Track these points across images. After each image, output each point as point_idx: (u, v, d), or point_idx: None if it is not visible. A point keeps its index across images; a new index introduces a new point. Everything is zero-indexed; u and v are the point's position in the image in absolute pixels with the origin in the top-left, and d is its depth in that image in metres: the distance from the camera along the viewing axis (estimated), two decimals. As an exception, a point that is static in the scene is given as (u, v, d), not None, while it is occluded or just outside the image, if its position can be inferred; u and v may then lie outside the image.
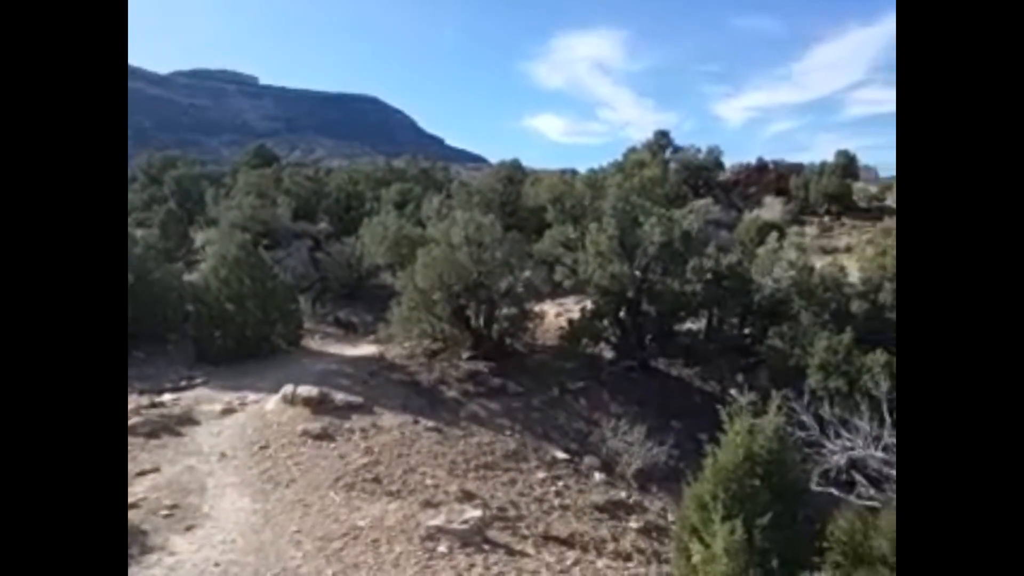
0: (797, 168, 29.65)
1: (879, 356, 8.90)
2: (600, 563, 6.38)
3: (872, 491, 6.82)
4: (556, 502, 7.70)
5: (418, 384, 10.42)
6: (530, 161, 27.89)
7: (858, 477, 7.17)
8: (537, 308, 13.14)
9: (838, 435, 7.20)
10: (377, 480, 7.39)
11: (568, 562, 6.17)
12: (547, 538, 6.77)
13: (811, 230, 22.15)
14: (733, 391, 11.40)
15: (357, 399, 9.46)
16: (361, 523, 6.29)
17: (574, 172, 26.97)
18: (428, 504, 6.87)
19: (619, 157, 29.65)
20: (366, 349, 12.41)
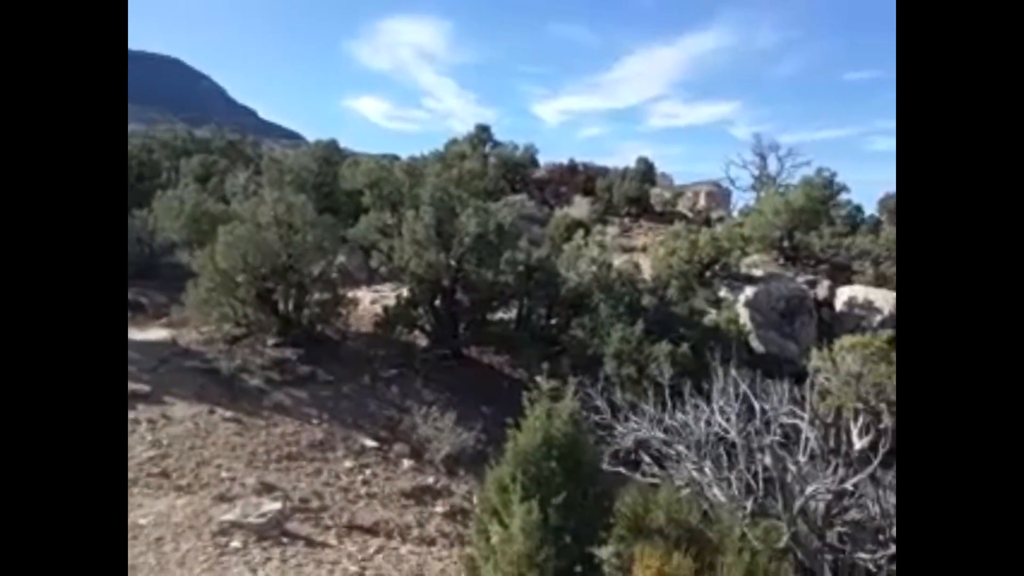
0: (603, 171, 31.81)
1: (664, 346, 9.87)
2: (404, 549, 6.42)
3: (655, 469, 7.57)
4: (363, 491, 7.61)
5: (216, 372, 9.71)
6: (350, 143, 27.06)
7: (645, 457, 7.91)
8: (352, 294, 12.83)
9: (627, 418, 7.88)
10: (165, 474, 6.81)
11: (371, 550, 6.14)
12: (351, 528, 6.67)
13: (613, 229, 23.88)
14: (539, 378, 12.06)
15: (144, 388, 8.61)
16: (143, 521, 5.76)
17: (395, 158, 26.59)
18: (222, 498, 6.45)
19: (440, 147, 29.82)
20: (157, 333, 11.31)
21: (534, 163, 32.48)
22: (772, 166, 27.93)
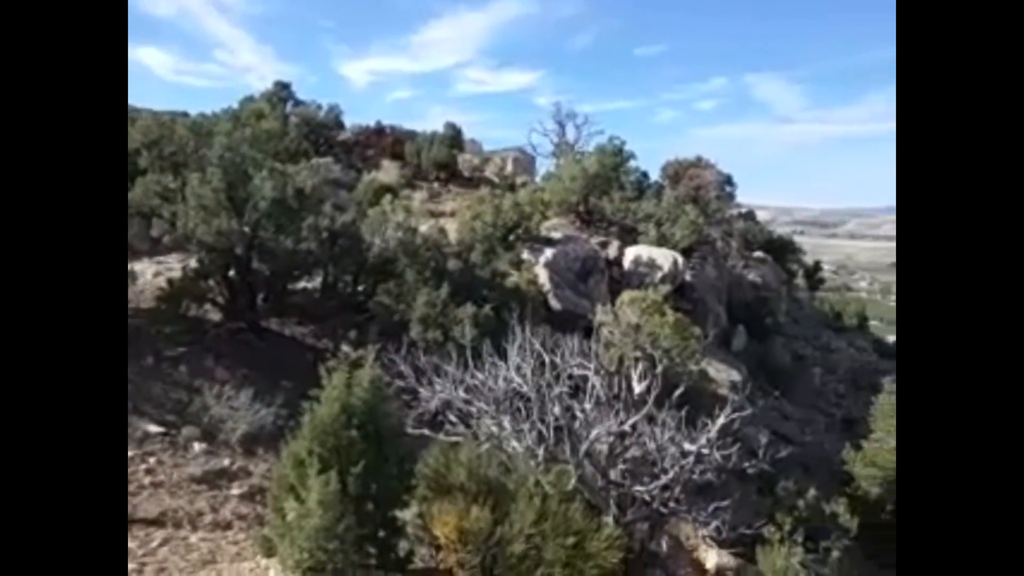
0: (412, 135, 31.42)
1: (468, 309, 10.09)
2: (194, 537, 6.02)
3: (461, 428, 7.76)
4: (147, 480, 6.97)
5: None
6: (131, 98, 23.99)
7: (451, 417, 8.07)
8: (131, 267, 11.53)
9: (431, 382, 7.98)
10: None
11: (154, 543, 5.67)
12: (132, 522, 6.10)
13: (422, 195, 23.80)
14: (345, 347, 11.78)
15: None
16: None
17: (184, 115, 24.06)
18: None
19: (235, 105, 27.50)
20: None
21: (340, 125, 31.18)
22: (570, 134, 29.38)
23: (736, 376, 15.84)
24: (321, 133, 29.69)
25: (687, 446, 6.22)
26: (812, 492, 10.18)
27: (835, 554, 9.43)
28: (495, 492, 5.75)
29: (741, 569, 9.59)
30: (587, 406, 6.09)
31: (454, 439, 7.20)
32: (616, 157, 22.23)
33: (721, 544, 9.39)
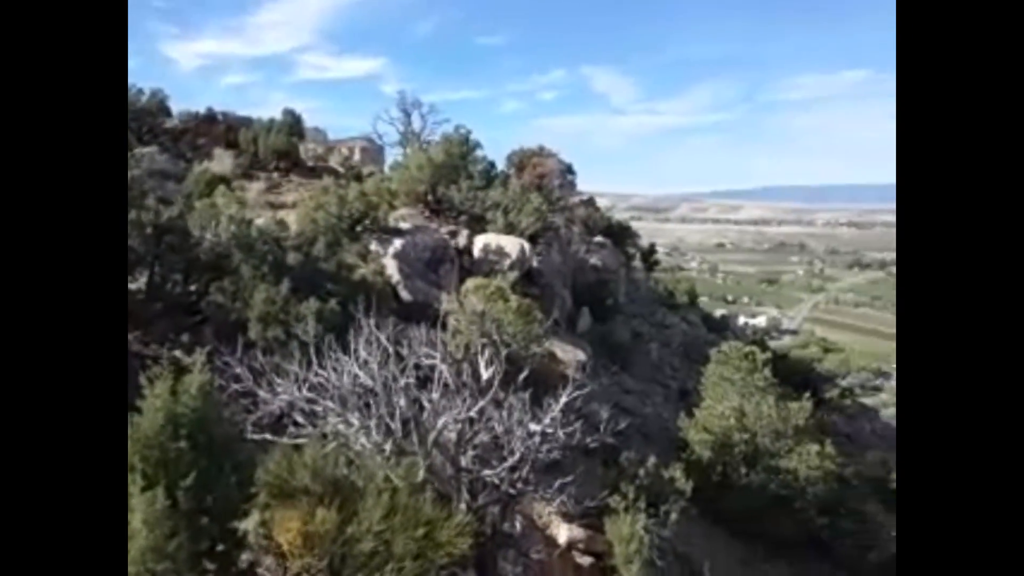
0: (247, 122, 29.59)
1: (312, 304, 9.71)
2: None
3: (308, 429, 7.46)
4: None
5: None
6: None
7: (298, 419, 7.74)
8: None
9: (271, 383, 7.60)
10: None
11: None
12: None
13: (259, 185, 22.54)
14: (177, 353, 10.90)
15: None
16: None
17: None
18: None
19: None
20: None
21: (165, 111, 28.66)
22: (416, 123, 29.11)
23: (582, 356, 16.59)
24: (144, 120, 27.16)
25: (533, 426, 6.42)
26: (652, 460, 10.91)
27: (673, 516, 10.18)
28: (342, 491, 5.61)
29: (591, 540, 10.11)
30: (435, 395, 6.10)
31: (299, 441, 6.93)
32: (463, 146, 22.35)
33: (571, 518, 9.84)
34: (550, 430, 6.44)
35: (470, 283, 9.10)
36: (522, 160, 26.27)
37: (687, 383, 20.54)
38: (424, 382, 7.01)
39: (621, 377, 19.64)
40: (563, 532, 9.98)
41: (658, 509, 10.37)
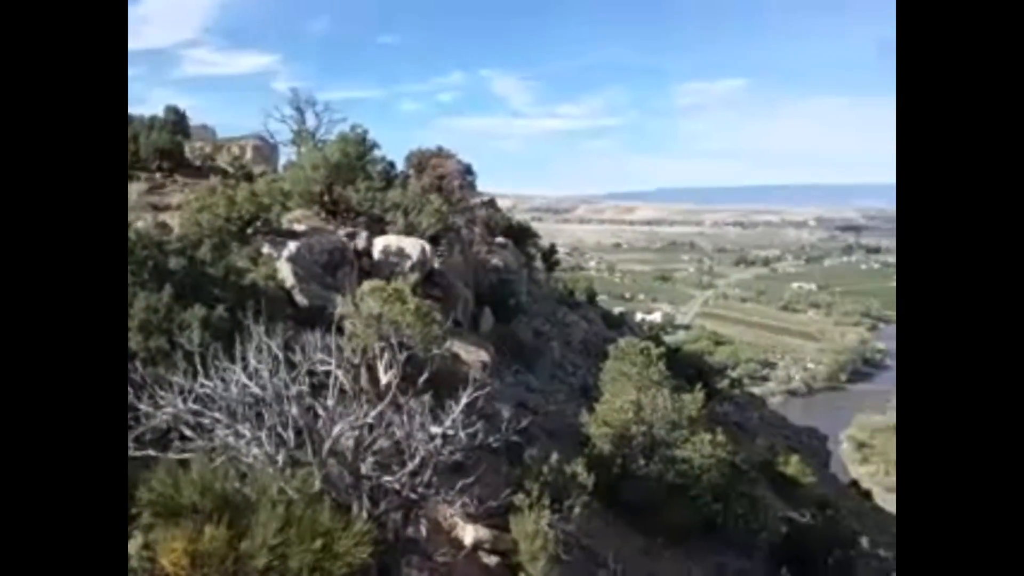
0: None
1: (198, 311, 9.18)
2: None
3: (197, 443, 7.02)
4: None
5: None
6: None
7: (186, 432, 7.27)
8: None
9: (153, 396, 7.10)
10: None
11: None
12: None
13: (139, 186, 21.12)
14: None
15: None
16: None
17: None
18: None
19: None
20: None
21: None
22: (311, 121, 28.16)
23: (485, 356, 16.62)
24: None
25: (434, 429, 6.35)
26: (555, 457, 11.07)
27: (576, 510, 10.38)
28: (233, 507, 5.32)
29: (497, 539, 10.13)
30: (330, 402, 5.90)
31: (185, 456, 6.53)
32: (360, 146, 21.85)
33: (478, 519, 9.82)
34: (451, 432, 6.38)
35: (366, 286, 8.87)
36: (421, 161, 26.04)
37: (588, 379, 21.03)
38: (320, 389, 6.77)
39: (525, 376, 19.86)
40: (469, 533, 9.95)
41: (562, 504, 10.53)
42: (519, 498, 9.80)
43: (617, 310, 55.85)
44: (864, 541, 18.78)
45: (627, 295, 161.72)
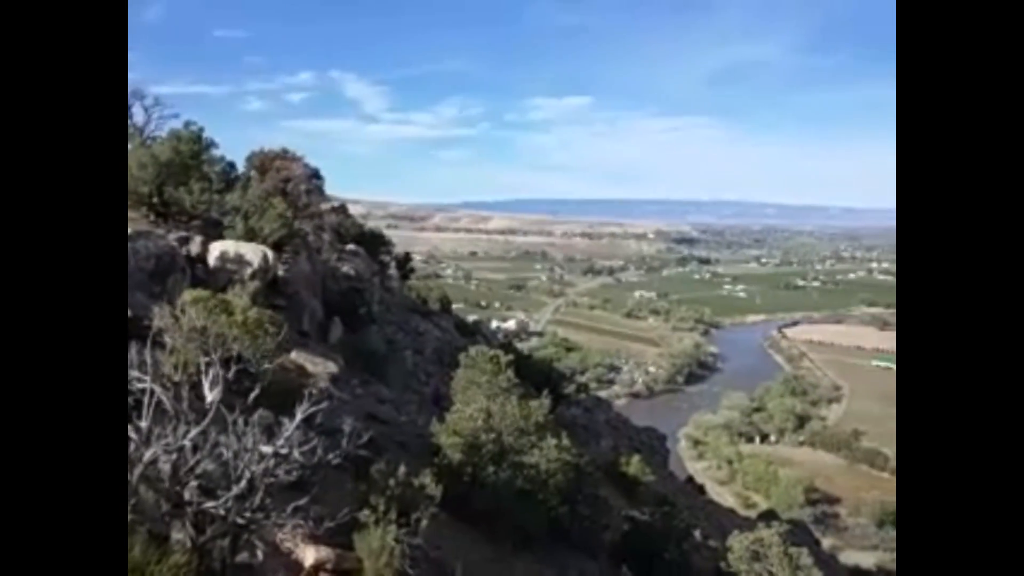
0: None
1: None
2: None
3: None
4: None
5: None
6: None
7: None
8: None
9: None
10: None
11: None
12: None
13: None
14: None
15: None
16: None
17: None
18: None
19: None
20: None
21: None
22: (139, 116, 25.78)
23: (333, 367, 16.02)
24: None
25: (265, 448, 5.93)
26: (403, 469, 10.82)
27: (424, 523, 10.19)
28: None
29: (340, 558, 9.70)
30: (143, 424, 5.32)
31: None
32: (195, 144, 20.30)
33: (320, 539, 9.35)
34: (284, 451, 6.00)
35: (187, 295, 8.13)
36: (264, 162, 24.68)
37: (441, 388, 20.92)
38: (134, 408, 6.12)
39: (376, 386, 19.36)
40: (310, 554, 9.44)
41: (409, 517, 10.30)
42: (364, 514, 9.45)
43: (473, 318, 56.32)
44: (697, 534, 20.18)
45: (483, 303, 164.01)
